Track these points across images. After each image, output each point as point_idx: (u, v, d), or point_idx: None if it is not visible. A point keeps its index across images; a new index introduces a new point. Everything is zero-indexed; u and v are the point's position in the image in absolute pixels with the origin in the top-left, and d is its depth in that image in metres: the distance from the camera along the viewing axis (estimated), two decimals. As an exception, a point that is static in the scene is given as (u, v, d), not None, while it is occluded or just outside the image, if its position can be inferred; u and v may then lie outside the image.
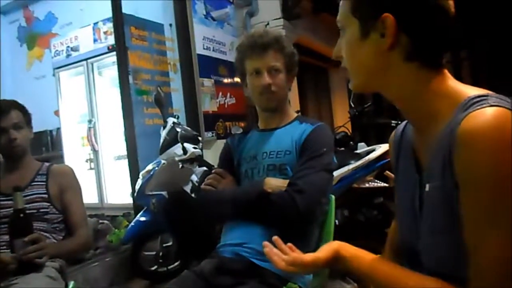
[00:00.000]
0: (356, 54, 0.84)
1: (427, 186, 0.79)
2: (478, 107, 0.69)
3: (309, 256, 0.87)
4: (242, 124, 4.42)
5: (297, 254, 0.89)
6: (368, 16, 0.79)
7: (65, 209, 1.82)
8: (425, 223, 0.81)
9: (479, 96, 0.72)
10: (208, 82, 4.14)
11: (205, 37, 4.21)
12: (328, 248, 0.87)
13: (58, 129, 5.15)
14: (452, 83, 0.80)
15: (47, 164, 1.90)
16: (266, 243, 0.92)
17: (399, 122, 1.27)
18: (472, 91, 0.76)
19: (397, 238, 1.04)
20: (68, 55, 4.88)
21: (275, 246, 0.93)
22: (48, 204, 1.78)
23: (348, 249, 0.86)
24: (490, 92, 0.75)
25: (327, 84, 7.58)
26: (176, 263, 2.99)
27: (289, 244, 0.93)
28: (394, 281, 0.79)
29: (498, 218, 0.66)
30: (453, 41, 0.81)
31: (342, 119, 5.80)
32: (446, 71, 0.81)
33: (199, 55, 4.09)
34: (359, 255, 0.85)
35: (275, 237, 0.95)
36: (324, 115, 7.18)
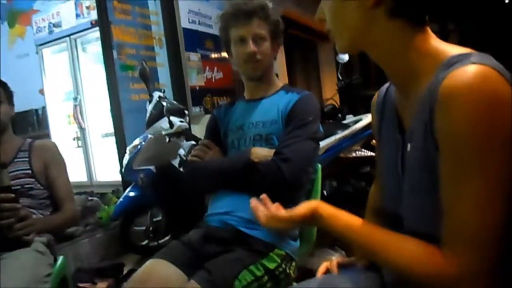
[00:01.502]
0: (340, 14, 0.82)
1: (409, 146, 0.79)
2: (460, 65, 0.68)
3: (285, 212, 0.87)
4: (231, 100, 4.38)
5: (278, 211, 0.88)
6: None
7: (50, 185, 1.80)
8: (407, 184, 0.81)
9: (461, 55, 0.71)
10: (194, 57, 4.08)
11: (190, 11, 4.12)
12: (306, 205, 0.85)
13: (44, 107, 5.08)
14: (435, 41, 0.79)
15: (29, 140, 1.87)
16: (253, 199, 0.93)
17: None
18: (454, 49, 0.75)
19: (378, 201, 1.05)
20: (50, 32, 4.77)
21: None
22: (33, 180, 1.76)
23: (326, 208, 0.84)
24: (472, 51, 0.73)
25: (315, 57, 7.53)
26: (167, 237, 3.00)
27: (277, 204, 0.92)
28: (372, 240, 0.78)
29: (475, 178, 0.65)
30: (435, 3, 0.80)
31: (331, 92, 5.79)
32: (429, 29, 0.80)
33: (184, 29, 4.01)
34: (336, 215, 0.83)
35: (263, 196, 0.95)
36: (313, 88, 7.15)
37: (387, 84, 0.97)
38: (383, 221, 1.05)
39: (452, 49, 0.75)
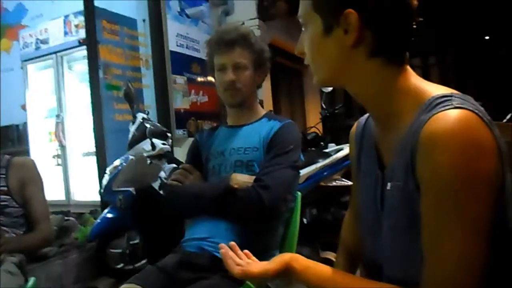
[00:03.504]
0: (319, 50, 0.82)
1: (389, 184, 0.79)
2: (442, 108, 0.68)
3: (258, 268, 0.84)
4: (215, 124, 4.39)
5: (247, 264, 0.87)
6: (331, 11, 0.78)
7: (26, 203, 1.77)
8: (386, 222, 0.80)
9: (443, 96, 0.71)
10: (180, 80, 4.11)
11: (178, 34, 4.18)
12: (279, 260, 0.83)
13: (25, 123, 5.00)
14: (416, 80, 0.79)
15: (8, 156, 1.84)
16: (222, 245, 0.92)
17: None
18: (436, 89, 0.75)
19: (353, 234, 1.05)
20: (37, 48, 4.75)
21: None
22: (8, 197, 1.73)
23: (300, 261, 0.82)
24: (454, 92, 0.73)
25: (301, 85, 7.64)
26: (143, 261, 2.93)
27: (246, 251, 0.93)
28: None
29: (457, 225, 0.65)
30: (417, 37, 0.81)
31: (315, 120, 5.85)
32: (409, 67, 0.80)
33: (172, 51, 4.05)
34: (311, 267, 0.81)
35: (231, 243, 0.94)
36: (297, 115, 7.23)
37: (366, 116, 0.97)
38: (355, 256, 1.05)
39: (434, 89, 0.75)
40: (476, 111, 0.67)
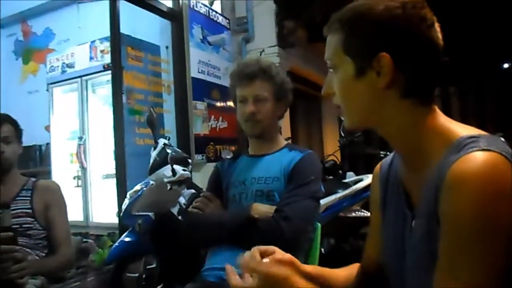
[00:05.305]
0: (351, 93, 0.83)
1: (413, 222, 0.80)
2: (469, 150, 0.69)
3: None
4: (233, 148, 4.43)
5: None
6: (364, 55, 0.79)
7: (49, 226, 1.80)
8: (409, 260, 0.81)
9: (470, 137, 0.72)
10: (201, 105, 4.17)
11: (200, 61, 4.26)
12: None
13: (48, 144, 5.12)
14: (444, 120, 0.81)
15: (33, 179, 1.89)
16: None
17: (388, 153, 1.25)
18: (463, 130, 0.77)
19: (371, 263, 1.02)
20: (63, 71, 4.90)
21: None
22: (32, 219, 1.77)
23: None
24: (481, 133, 0.75)
25: (319, 112, 7.66)
26: (159, 286, 2.93)
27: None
28: None
29: (472, 265, 0.65)
30: (444, 75, 0.83)
31: (332, 147, 5.85)
32: (436, 107, 0.82)
33: (193, 78, 4.12)
34: None
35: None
36: (314, 143, 7.23)
37: (391, 156, 0.98)
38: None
39: (461, 130, 0.77)
40: (503, 153, 0.68)
